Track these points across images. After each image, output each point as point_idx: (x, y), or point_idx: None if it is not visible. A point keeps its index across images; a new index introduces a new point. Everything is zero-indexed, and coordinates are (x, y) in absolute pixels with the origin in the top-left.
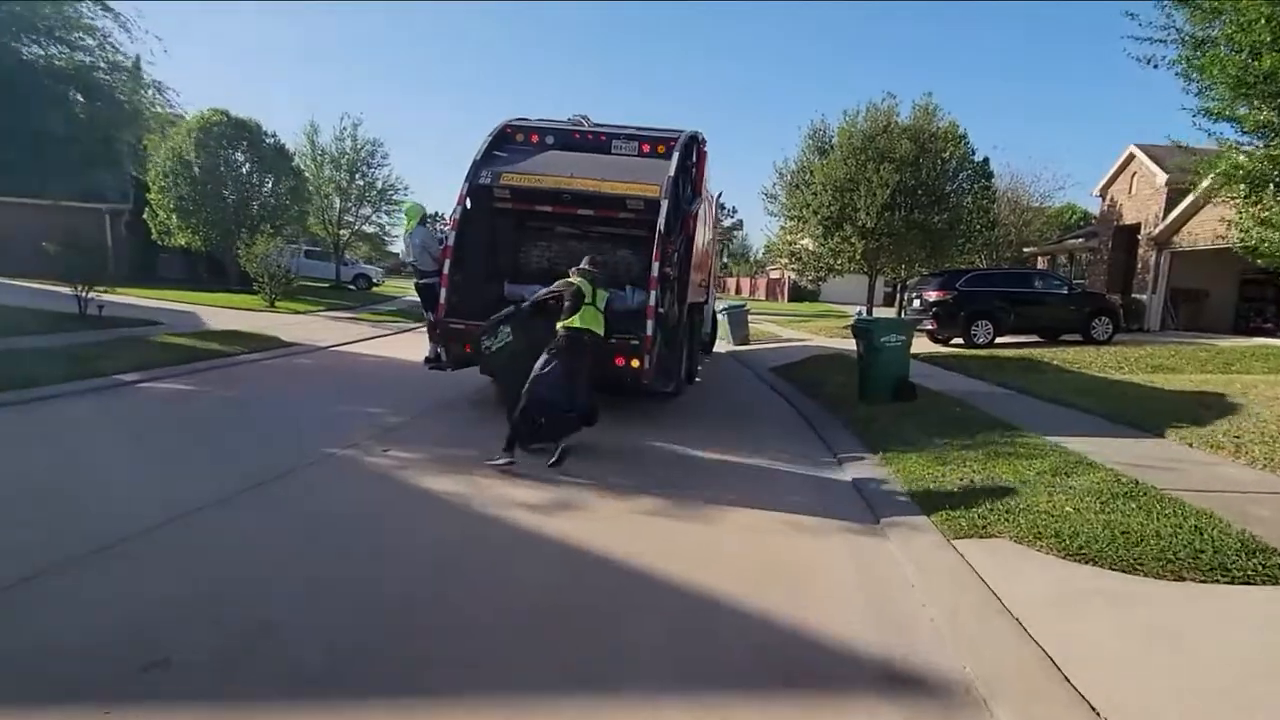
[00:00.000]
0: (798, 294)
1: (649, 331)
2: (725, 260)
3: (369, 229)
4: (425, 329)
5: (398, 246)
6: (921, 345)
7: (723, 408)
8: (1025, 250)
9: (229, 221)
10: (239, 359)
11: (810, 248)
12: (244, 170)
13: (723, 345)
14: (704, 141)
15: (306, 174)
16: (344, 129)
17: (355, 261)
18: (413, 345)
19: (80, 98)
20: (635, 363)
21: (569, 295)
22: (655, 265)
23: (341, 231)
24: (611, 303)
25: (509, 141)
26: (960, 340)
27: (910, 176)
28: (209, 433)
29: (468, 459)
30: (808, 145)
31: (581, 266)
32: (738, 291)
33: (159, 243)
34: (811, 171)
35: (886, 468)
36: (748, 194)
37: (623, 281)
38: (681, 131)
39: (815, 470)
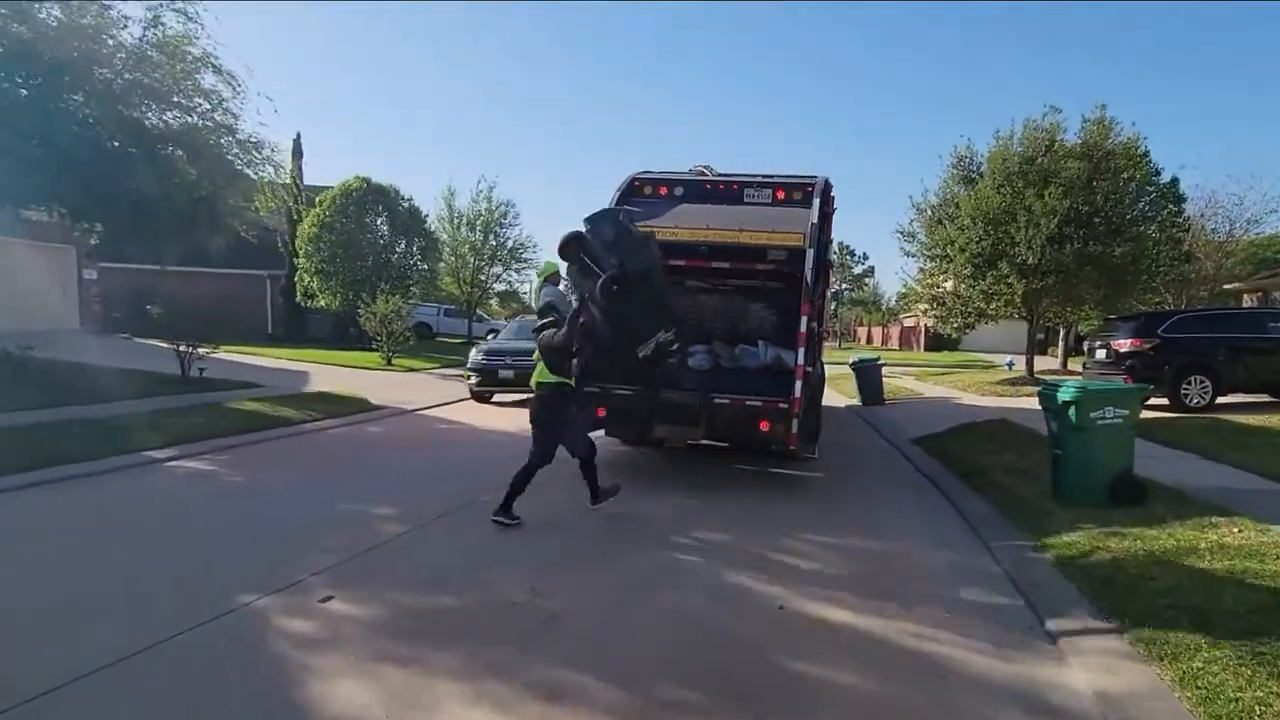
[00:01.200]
0: (936, 343)
1: (797, 393)
2: (835, 308)
3: (499, 286)
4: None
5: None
6: None
7: (850, 502)
8: (1226, 288)
9: (364, 282)
10: (304, 427)
11: (956, 290)
12: (382, 233)
13: (842, 400)
14: (832, 187)
15: (442, 235)
16: (479, 191)
17: (488, 318)
18: (503, 407)
19: (186, 161)
20: (780, 427)
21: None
22: (804, 320)
23: (474, 289)
24: (740, 359)
25: (637, 194)
26: (1164, 400)
27: (1083, 202)
28: (147, 550)
29: (439, 623)
30: (950, 175)
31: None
32: (868, 341)
33: (302, 304)
34: (957, 204)
35: (1154, 667)
36: (875, 238)
37: (754, 337)
38: (816, 177)
39: (1013, 658)
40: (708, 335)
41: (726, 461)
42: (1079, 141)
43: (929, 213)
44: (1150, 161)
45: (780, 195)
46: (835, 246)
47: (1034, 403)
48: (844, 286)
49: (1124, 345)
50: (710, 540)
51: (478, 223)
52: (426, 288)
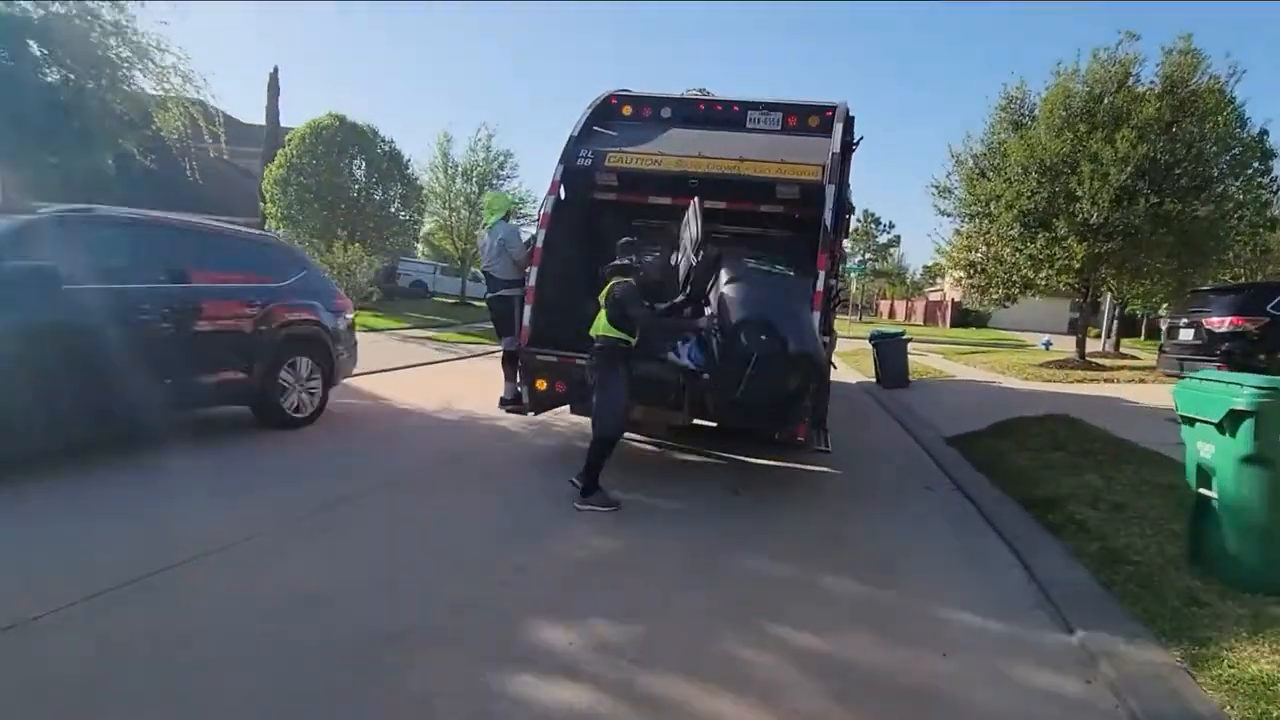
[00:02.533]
0: (963, 319)
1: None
2: (851, 274)
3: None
4: (502, 358)
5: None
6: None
7: (855, 552)
8: None
9: (335, 231)
10: None
11: (999, 254)
12: (357, 178)
13: (853, 376)
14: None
15: (436, 186)
16: (478, 140)
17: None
18: (460, 378)
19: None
20: (788, 414)
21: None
22: (820, 277)
23: (468, 246)
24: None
25: (614, 115)
26: None
27: (1162, 149)
28: None
29: None
30: (998, 120)
31: (617, 262)
32: (890, 315)
33: None
34: (1005, 152)
35: None
36: (901, 207)
37: None
38: (838, 102)
39: None
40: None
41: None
42: (1159, 77)
43: (970, 164)
44: (1238, 107)
45: (792, 121)
46: (860, 214)
47: (1092, 390)
48: (868, 256)
49: (1221, 324)
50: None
51: (474, 174)
52: (408, 240)
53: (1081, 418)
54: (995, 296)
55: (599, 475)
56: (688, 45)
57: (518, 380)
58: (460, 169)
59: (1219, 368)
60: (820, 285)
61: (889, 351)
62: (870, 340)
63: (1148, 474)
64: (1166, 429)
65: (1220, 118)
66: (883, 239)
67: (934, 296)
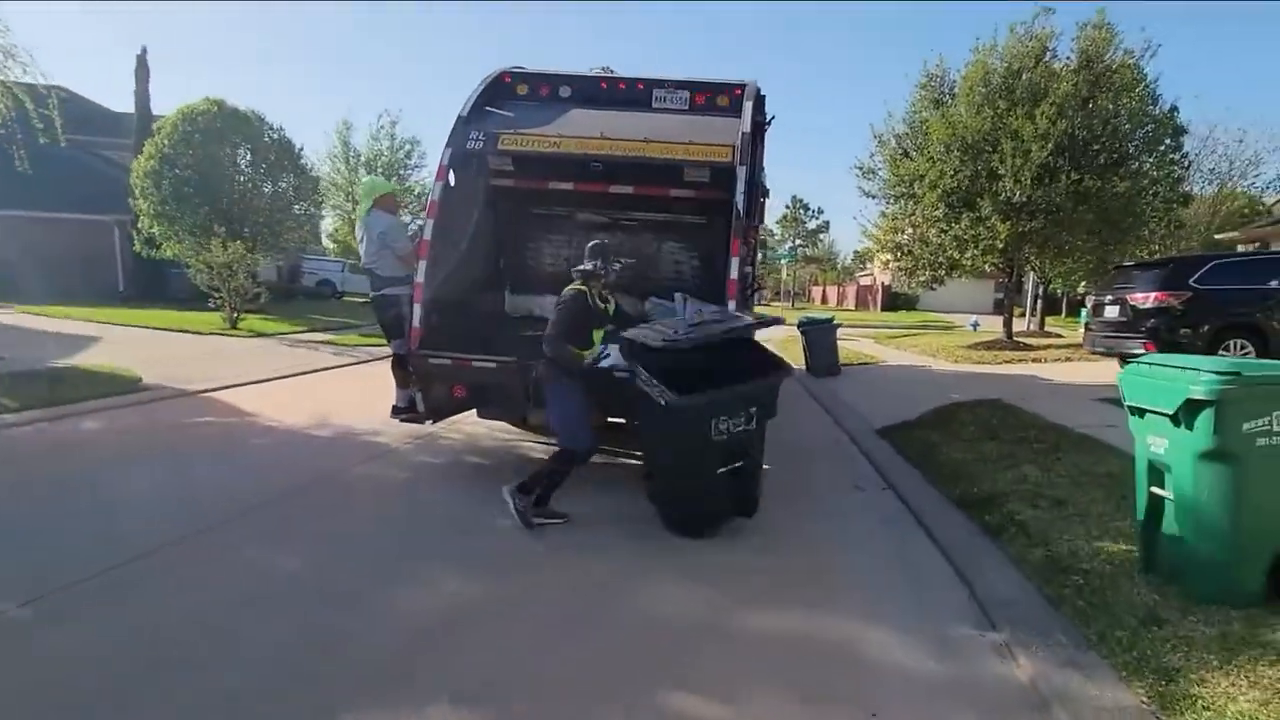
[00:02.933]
0: (893, 302)
1: None
2: (764, 259)
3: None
4: (391, 362)
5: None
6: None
7: (778, 568)
8: (1219, 237)
9: (215, 228)
10: None
11: (925, 236)
12: (242, 169)
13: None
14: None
15: (334, 177)
16: (380, 128)
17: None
18: (350, 386)
19: None
20: None
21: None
22: (734, 263)
23: None
24: (652, 317)
25: (509, 95)
26: None
27: (1081, 125)
28: None
29: None
30: (919, 98)
31: (582, 267)
32: (823, 301)
33: (144, 255)
34: (927, 131)
35: None
36: (831, 191)
37: (670, 287)
38: (746, 81)
39: None
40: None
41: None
42: (1075, 52)
43: (893, 144)
44: (1151, 86)
45: (700, 100)
46: (788, 200)
47: (1021, 370)
48: (798, 242)
49: (1146, 300)
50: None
51: (378, 164)
52: (304, 236)
53: (1014, 402)
54: (922, 279)
55: (553, 491)
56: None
57: (411, 386)
58: (363, 159)
59: (1145, 346)
60: (734, 273)
61: (818, 338)
62: (799, 327)
63: (1086, 463)
64: (1099, 410)
65: (1134, 94)
66: (812, 225)
67: (865, 281)
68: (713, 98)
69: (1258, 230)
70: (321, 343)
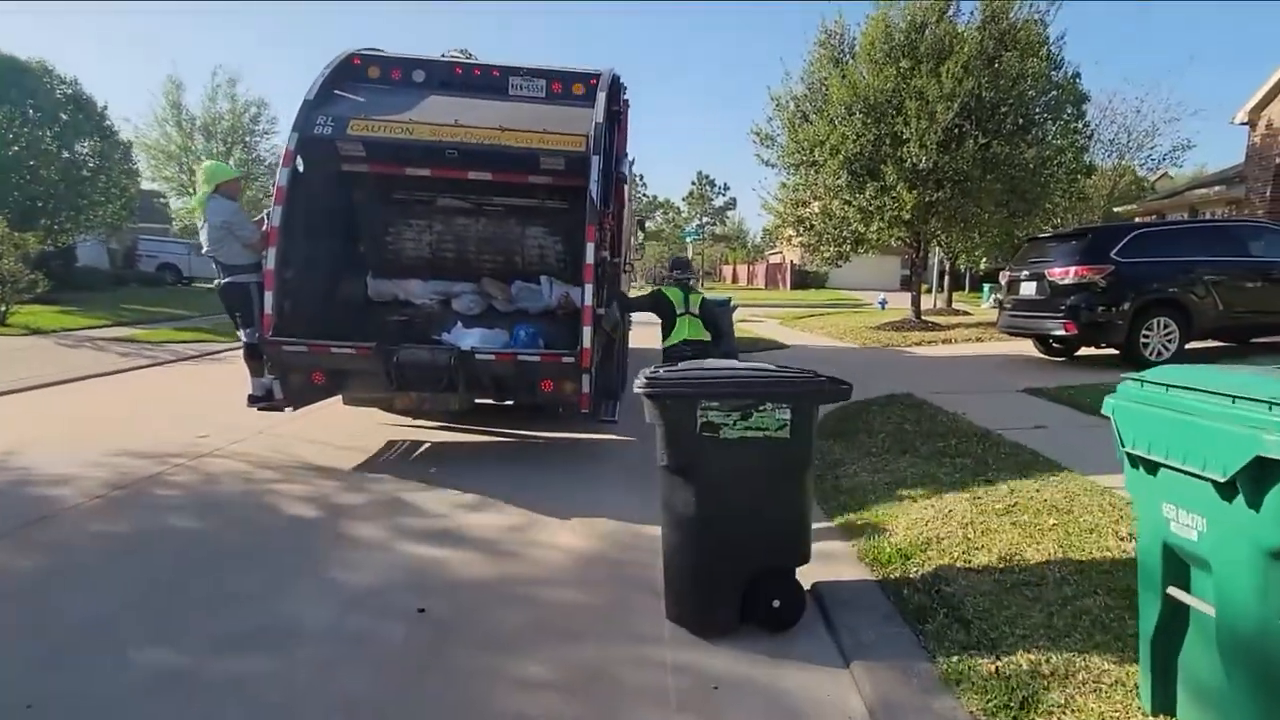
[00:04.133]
0: (802, 280)
1: (586, 343)
2: (641, 239)
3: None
4: (242, 352)
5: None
6: (1025, 360)
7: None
8: (1117, 210)
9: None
10: None
11: (828, 208)
12: (20, 132)
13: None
14: (625, 88)
15: (165, 144)
16: (216, 86)
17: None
18: (108, 400)
19: None
20: (568, 386)
21: (651, 307)
22: (590, 248)
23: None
24: (519, 300)
25: (359, 78)
26: (1113, 350)
27: (988, 85)
28: None
29: None
30: (818, 57)
31: (672, 274)
32: (734, 281)
33: None
34: (828, 91)
35: None
36: (738, 167)
37: (535, 270)
38: (601, 69)
39: None
40: (476, 270)
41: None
42: (979, 10)
43: (791, 107)
44: (1054, 50)
45: (557, 88)
46: (694, 176)
47: (931, 353)
48: (705, 220)
49: (1065, 275)
50: None
51: (217, 128)
52: (116, 214)
53: (928, 396)
54: (827, 255)
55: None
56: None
57: (266, 375)
58: (199, 122)
59: (1065, 326)
60: (590, 258)
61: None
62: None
63: (1027, 490)
64: (1024, 406)
65: (1039, 55)
66: (719, 201)
67: (774, 259)
68: (568, 86)
69: (1154, 203)
70: (119, 340)
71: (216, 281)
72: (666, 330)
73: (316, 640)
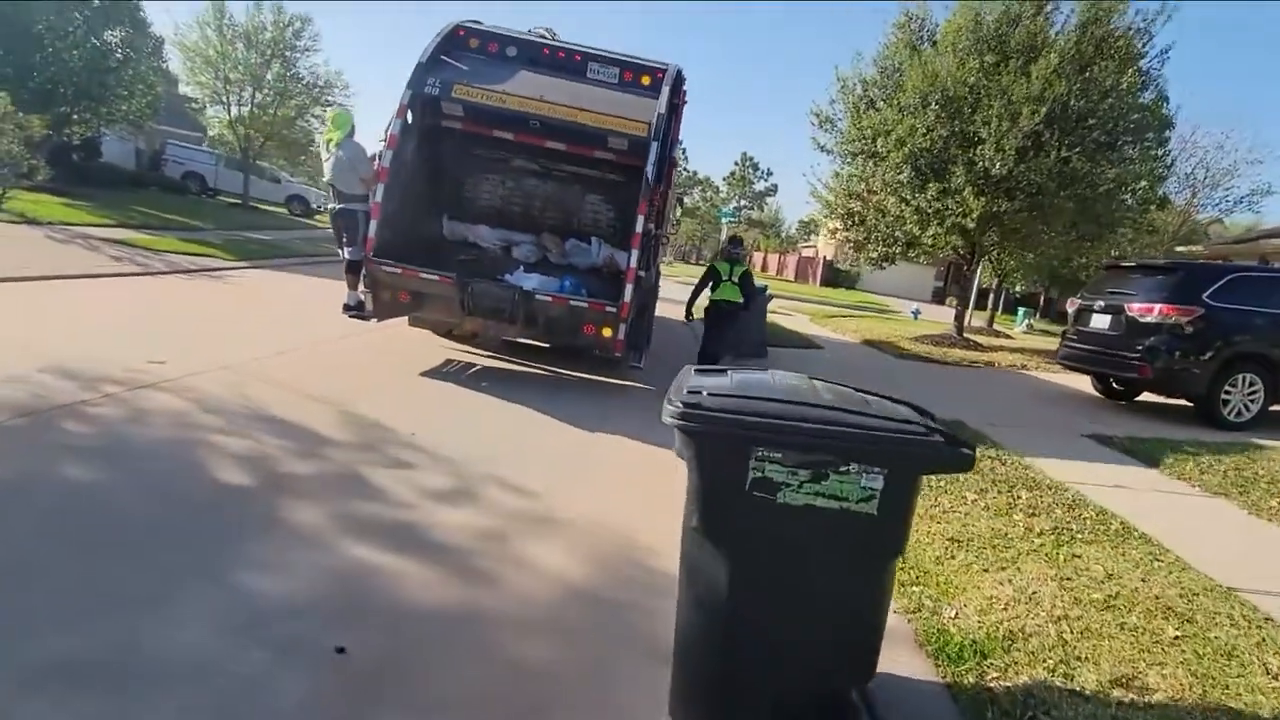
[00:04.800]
0: (833, 278)
1: (627, 298)
2: (679, 215)
3: (291, 134)
4: (345, 267)
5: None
6: (1080, 397)
7: None
8: (1180, 250)
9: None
10: None
11: (883, 204)
12: (46, 17)
13: (687, 341)
14: (685, 81)
15: (203, 48)
16: None
17: (291, 180)
18: (69, 311)
19: None
20: (607, 331)
21: (708, 276)
22: (640, 220)
23: (251, 132)
24: (571, 256)
25: (462, 47)
26: (1184, 402)
27: (1078, 94)
28: None
29: None
30: (895, 39)
31: (727, 249)
32: (763, 269)
33: None
34: (900, 80)
35: None
36: (783, 155)
37: (588, 232)
38: (668, 64)
39: None
40: (537, 225)
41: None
42: (1077, 12)
43: (858, 90)
44: (1147, 69)
45: (628, 77)
46: (738, 158)
47: (976, 376)
48: (743, 203)
49: (1147, 312)
50: None
51: (258, 39)
52: (140, 110)
53: (981, 428)
54: (873, 255)
55: None
56: None
57: (360, 289)
58: (242, 31)
59: (1140, 370)
60: (639, 228)
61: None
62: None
63: (1130, 580)
64: (1089, 451)
65: (1132, 70)
66: (760, 186)
67: (807, 252)
68: (638, 76)
69: (1221, 247)
70: (116, 242)
71: (330, 206)
72: (714, 290)
73: (174, 686)
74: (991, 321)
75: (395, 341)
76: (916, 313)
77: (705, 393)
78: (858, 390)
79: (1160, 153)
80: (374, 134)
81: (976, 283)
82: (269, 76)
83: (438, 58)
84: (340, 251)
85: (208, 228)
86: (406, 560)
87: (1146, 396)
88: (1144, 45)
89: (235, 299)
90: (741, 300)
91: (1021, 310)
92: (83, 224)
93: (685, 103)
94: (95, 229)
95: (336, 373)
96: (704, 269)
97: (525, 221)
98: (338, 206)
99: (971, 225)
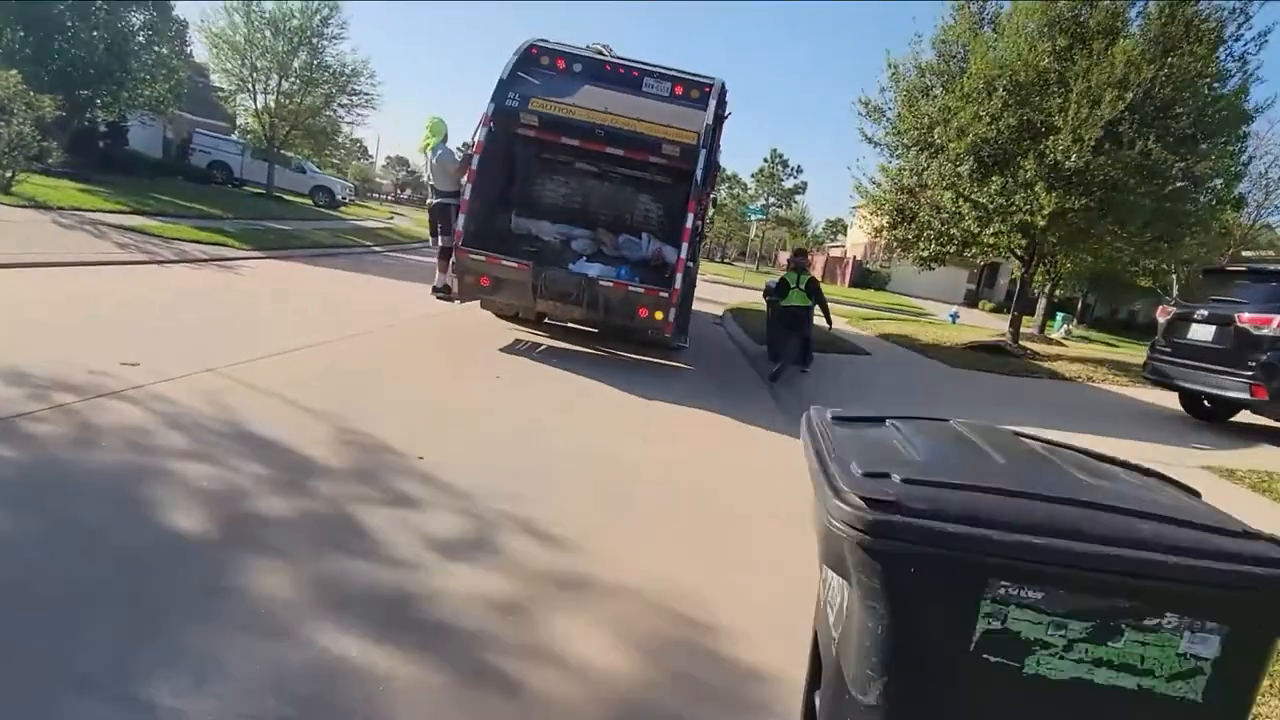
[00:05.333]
0: (863, 279)
1: (677, 285)
2: (713, 212)
3: (317, 123)
4: (437, 255)
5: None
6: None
7: None
8: (1246, 255)
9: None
10: None
11: (938, 200)
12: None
13: (716, 351)
14: (727, 92)
15: (230, 34)
16: None
17: (317, 171)
18: (51, 299)
19: None
20: (659, 315)
21: (779, 284)
22: (689, 218)
23: (276, 121)
24: (622, 249)
25: (534, 64)
26: None
27: (1162, 81)
28: None
29: None
30: (958, 20)
31: (793, 260)
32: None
33: None
34: (964, 58)
35: None
36: (810, 153)
37: (640, 229)
38: (713, 78)
39: None
40: (594, 221)
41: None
42: None
43: (913, 77)
44: (1229, 55)
45: (679, 90)
46: (766, 154)
47: (1046, 390)
48: (770, 201)
49: (1265, 324)
50: None
51: (286, 26)
52: (162, 95)
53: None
54: (924, 253)
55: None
56: None
57: (449, 274)
58: (269, 19)
59: (1253, 391)
60: (689, 224)
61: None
62: (766, 294)
63: None
64: (1217, 491)
65: (1204, 61)
66: (789, 184)
67: (835, 252)
68: (688, 90)
69: None
70: (127, 229)
71: (429, 201)
72: (782, 297)
73: None
74: (1043, 328)
75: (410, 342)
76: (954, 316)
77: (896, 477)
78: (1127, 465)
79: (1237, 149)
80: (406, 127)
81: (1019, 287)
82: (296, 64)
83: (516, 74)
84: (434, 240)
85: (227, 216)
86: (392, 654)
87: (1242, 417)
88: (1239, 28)
89: (240, 291)
90: (809, 303)
91: (1060, 315)
92: (96, 209)
93: (729, 115)
94: (108, 215)
95: (337, 379)
96: (725, 267)
97: (583, 217)
98: (434, 201)
99: (1042, 223)
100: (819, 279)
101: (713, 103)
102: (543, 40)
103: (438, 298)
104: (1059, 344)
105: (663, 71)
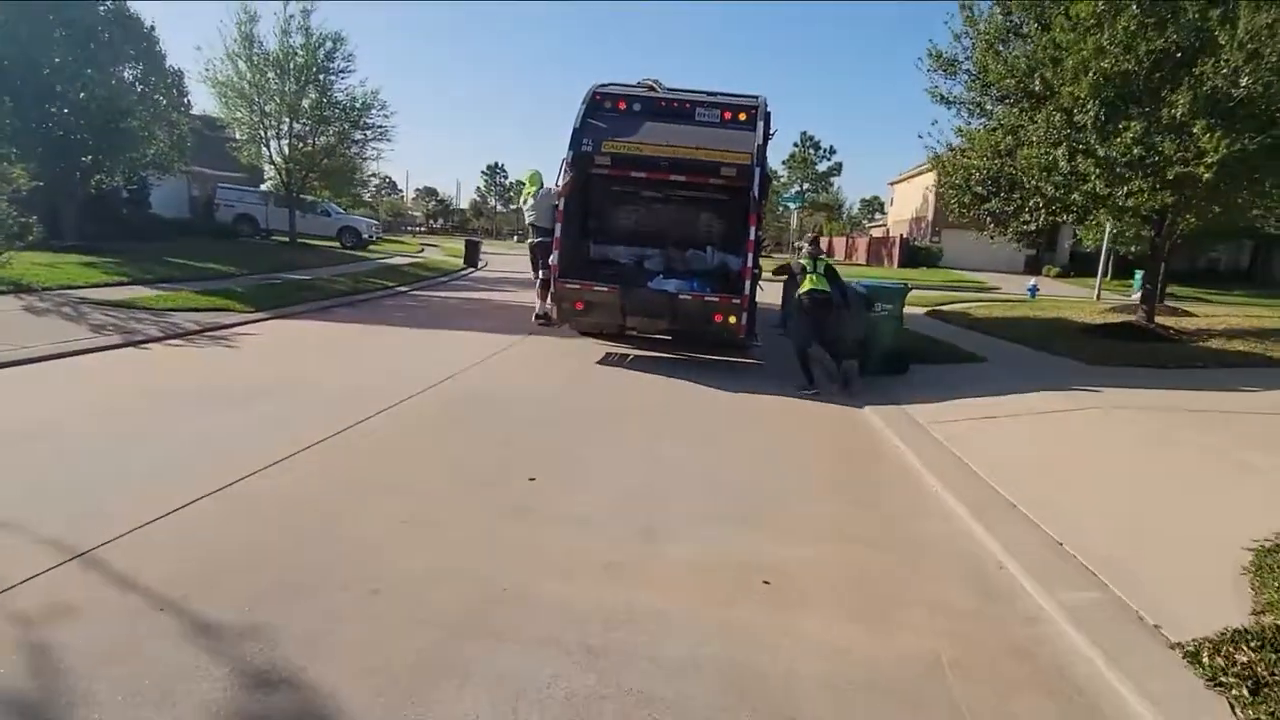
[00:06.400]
0: (912, 258)
1: (746, 291)
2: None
3: (334, 162)
4: (537, 287)
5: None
6: None
7: None
8: None
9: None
10: None
11: (1051, 160)
12: (54, 58)
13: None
14: (771, 112)
15: (236, 80)
16: (288, 18)
17: (341, 212)
18: None
19: None
20: (733, 319)
21: (796, 269)
22: (753, 230)
23: (291, 165)
24: (691, 263)
25: (599, 109)
26: None
27: None
28: None
29: None
30: None
31: (805, 249)
32: (830, 254)
33: None
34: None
35: None
36: (841, 132)
37: (704, 243)
38: (757, 98)
39: None
40: (662, 240)
41: None
42: None
43: (998, 20)
44: None
45: (727, 116)
46: (797, 138)
47: (1233, 392)
48: (805, 186)
49: None
50: None
51: (290, 65)
52: (164, 152)
53: None
54: (1029, 226)
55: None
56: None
57: (548, 302)
58: (272, 59)
59: None
60: (752, 236)
61: (873, 317)
62: (777, 274)
63: None
64: None
65: None
66: (823, 167)
67: (876, 232)
68: (735, 114)
69: None
70: (116, 304)
71: (530, 241)
72: (800, 283)
73: None
74: (1163, 295)
75: (409, 436)
76: (1033, 290)
77: None
78: None
79: None
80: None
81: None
82: (305, 104)
83: (586, 121)
84: (535, 273)
85: (241, 273)
86: None
87: None
88: None
89: (216, 374)
90: (829, 288)
91: (1139, 274)
92: (88, 285)
93: (775, 132)
94: (100, 290)
95: (272, 552)
96: (763, 260)
97: (653, 238)
98: (534, 240)
99: (1208, 175)
100: (850, 262)
101: (760, 124)
102: (604, 85)
103: (540, 324)
104: (1187, 313)
105: (711, 100)
